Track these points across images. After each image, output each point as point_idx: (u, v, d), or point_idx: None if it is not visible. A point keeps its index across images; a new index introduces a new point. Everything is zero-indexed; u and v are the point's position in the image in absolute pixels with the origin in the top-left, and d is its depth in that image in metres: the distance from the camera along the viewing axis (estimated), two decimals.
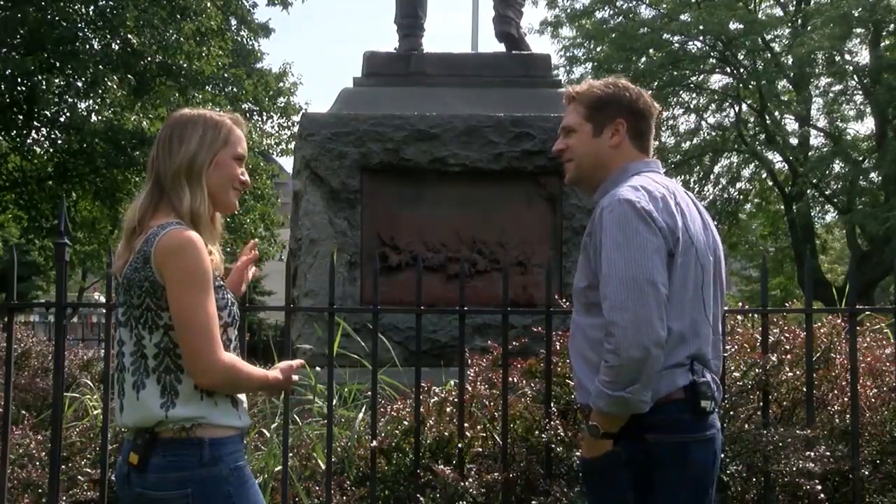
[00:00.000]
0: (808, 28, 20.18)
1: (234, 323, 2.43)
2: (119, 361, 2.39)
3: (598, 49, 22.56)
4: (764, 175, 23.21)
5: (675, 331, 2.36)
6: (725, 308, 3.82)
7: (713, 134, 23.43)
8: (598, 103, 2.60)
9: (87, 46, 16.81)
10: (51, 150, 18.31)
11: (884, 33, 20.55)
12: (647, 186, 2.44)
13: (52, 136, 18.19)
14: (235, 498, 2.28)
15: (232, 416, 2.35)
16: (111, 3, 16.60)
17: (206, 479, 2.26)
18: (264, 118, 21.89)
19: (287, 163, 24.00)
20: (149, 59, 17.00)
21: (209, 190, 2.42)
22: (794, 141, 21.66)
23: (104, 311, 3.68)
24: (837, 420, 3.85)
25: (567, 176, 2.69)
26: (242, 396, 2.43)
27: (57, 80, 16.44)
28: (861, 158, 20.42)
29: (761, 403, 3.74)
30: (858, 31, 20.08)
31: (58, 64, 16.35)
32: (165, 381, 2.30)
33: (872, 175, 20.51)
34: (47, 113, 17.39)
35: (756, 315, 4.22)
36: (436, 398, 4.00)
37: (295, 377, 2.55)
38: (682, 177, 23.09)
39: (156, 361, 2.31)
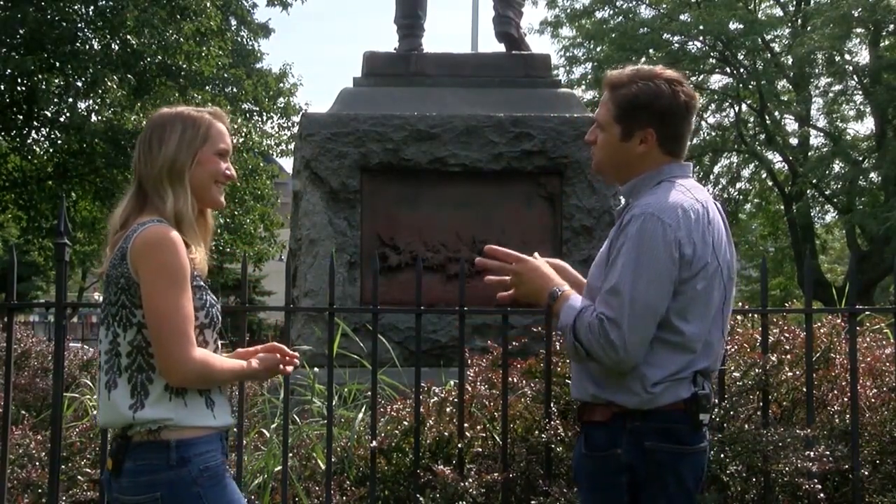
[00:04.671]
0: (808, 28, 20.18)
1: (213, 325, 2.41)
2: (99, 360, 2.39)
3: (598, 49, 22.55)
4: (764, 175, 23.22)
5: (692, 350, 2.38)
6: None
7: (713, 134, 23.43)
8: (629, 106, 2.48)
9: (87, 46, 16.82)
10: (51, 150, 18.31)
11: (884, 33, 20.55)
12: (684, 205, 2.38)
13: (52, 136, 18.19)
14: (206, 499, 2.27)
15: (204, 417, 2.33)
16: (111, 3, 16.61)
17: (174, 482, 2.25)
18: (264, 118, 21.90)
19: (287, 163, 24.00)
20: (149, 59, 17.00)
21: (193, 188, 2.40)
22: (793, 141, 21.67)
23: None
24: (837, 420, 3.85)
25: (593, 163, 2.66)
26: (221, 397, 2.41)
27: (57, 80, 16.44)
28: (861, 158, 20.41)
29: (761, 403, 3.74)
30: (858, 31, 20.09)
31: (58, 64, 16.34)
32: (137, 381, 2.29)
33: (872, 175, 20.51)
34: (47, 113, 17.39)
35: (756, 315, 4.21)
36: (436, 398, 3.99)
37: (289, 368, 2.53)
38: None
39: (129, 360, 2.30)
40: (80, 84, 16.94)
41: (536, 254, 2.61)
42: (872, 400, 3.91)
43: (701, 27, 20.36)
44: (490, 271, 2.62)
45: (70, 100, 17.07)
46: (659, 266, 2.33)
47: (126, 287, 2.29)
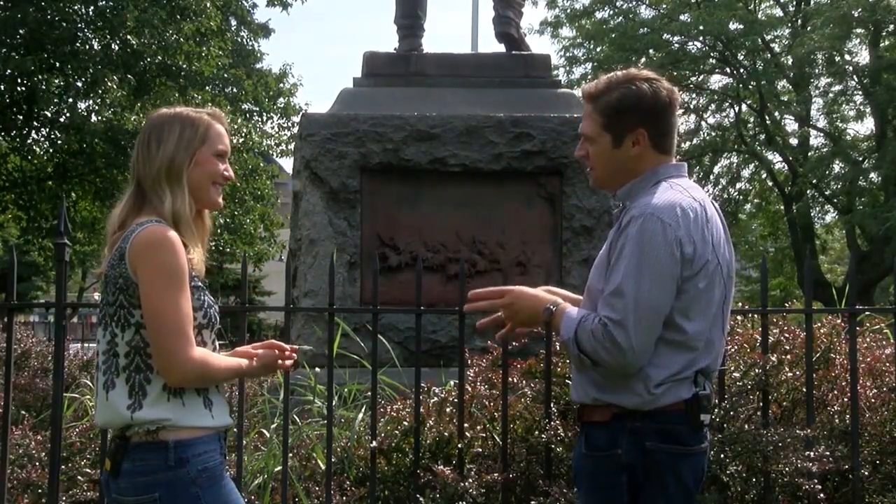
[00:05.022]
0: (808, 28, 20.19)
1: (211, 326, 2.41)
2: (97, 360, 2.39)
3: (598, 49, 22.57)
4: (764, 175, 23.23)
5: (694, 348, 2.38)
6: None
7: (713, 134, 23.44)
8: (614, 112, 2.48)
9: (87, 46, 16.83)
10: (51, 151, 18.32)
11: (884, 33, 20.56)
12: (682, 204, 2.37)
13: (52, 136, 18.20)
14: (204, 499, 2.27)
15: (202, 417, 2.33)
16: (111, 3, 16.61)
17: (173, 482, 2.25)
18: (264, 119, 21.91)
19: (287, 163, 24.02)
20: (149, 59, 17.01)
21: (191, 188, 2.40)
22: (793, 141, 21.69)
23: None
24: (837, 420, 3.85)
25: (591, 181, 2.66)
26: (219, 397, 2.41)
27: (57, 81, 16.45)
28: (861, 158, 20.43)
29: (761, 403, 3.74)
30: (858, 31, 20.10)
31: (58, 64, 16.36)
32: (135, 381, 2.29)
33: (872, 175, 20.51)
34: (47, 113, 17.41)
35: (756, 315, 4.22)
36: (436, 398, 3.99)
37: (288, 363, 2.52)
38: None
39: (126, 360, 2.30)
40: (80, 84, 16.96)
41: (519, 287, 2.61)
42: (872, 400, 3.91)
43: (701, 27, 20.35)
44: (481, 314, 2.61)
45: (70, 100, 17.09)
46: (661, 266, 2.32)
47: (124, 287, 2.29)
